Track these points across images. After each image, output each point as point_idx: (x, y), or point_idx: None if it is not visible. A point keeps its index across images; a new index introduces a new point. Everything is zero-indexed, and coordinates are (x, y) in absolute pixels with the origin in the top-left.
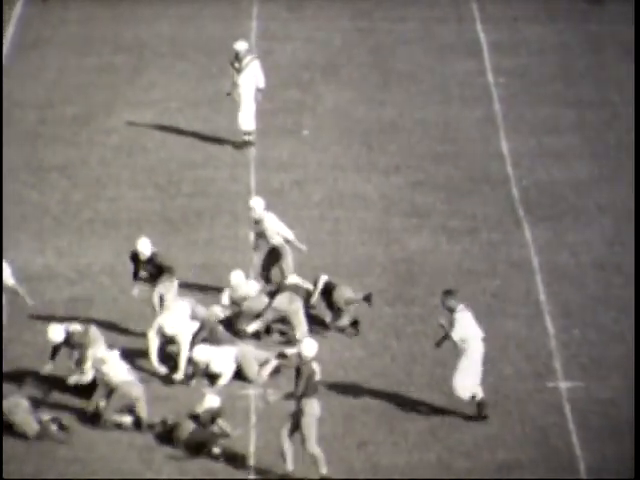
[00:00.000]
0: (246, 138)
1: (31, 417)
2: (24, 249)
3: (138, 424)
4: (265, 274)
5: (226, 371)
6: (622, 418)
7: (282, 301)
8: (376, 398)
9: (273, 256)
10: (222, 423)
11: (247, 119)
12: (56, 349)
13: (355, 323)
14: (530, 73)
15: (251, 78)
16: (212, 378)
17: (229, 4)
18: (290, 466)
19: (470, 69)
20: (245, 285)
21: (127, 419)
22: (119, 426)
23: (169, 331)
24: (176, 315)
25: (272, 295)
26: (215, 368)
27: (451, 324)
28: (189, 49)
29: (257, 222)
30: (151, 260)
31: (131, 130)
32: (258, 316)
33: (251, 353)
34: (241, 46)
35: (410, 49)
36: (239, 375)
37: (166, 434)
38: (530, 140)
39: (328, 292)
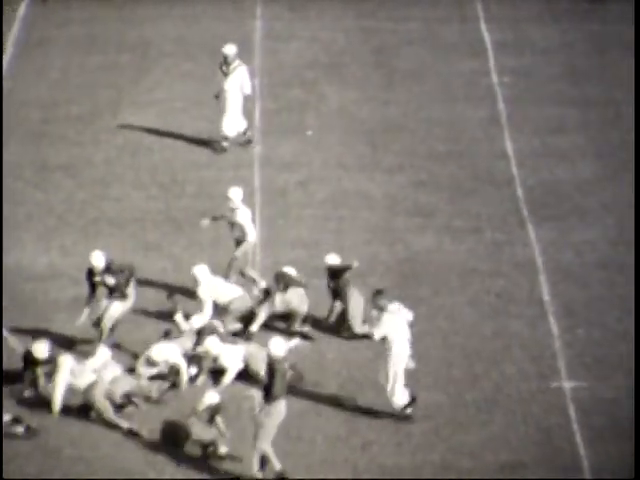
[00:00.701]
0: (224, 144)
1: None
2: (28, 248)
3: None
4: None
5: (233, 368)
6: (626, 418)
7: (293, 298)
8: (380, 398)
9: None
10: (220, 421)
11: (229, 124)
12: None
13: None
14: (534, 73)
15: (237, 83)
16: (216, 377)
17: (233, 4)
18: (278, 465)
19: (474, 69)
20: (208, 282)
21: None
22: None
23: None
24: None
25: (266, 292)
26: (224, 362)
27: (377, 321)
28: (194, 49)
29: (231, 211)
30: (108, 269)
31: (135, 130)
32: (247, 316)
33: (259, 353)
34: (230, 50)
35: (414, 49)
36: (244, 376)
37: (171, 435)
38: (534, 140)
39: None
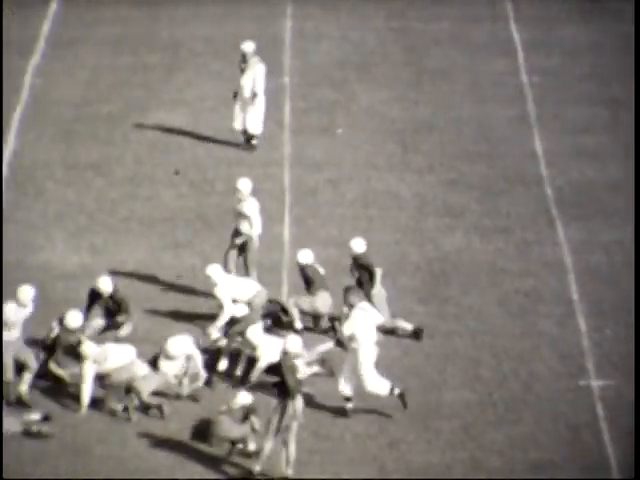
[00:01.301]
0: (254, 142)
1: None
2: (59, 247)
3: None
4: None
5: (266, 359)
6: None
7: (327, 302)
8: (409, 396)
9: (241, 248)
10: (254, 420)
11: (255, 122)
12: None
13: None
14: (564, 72)
15: (252, 80)
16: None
17: (264, 3)
18: (291, 469)
19: (504, 68)
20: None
21: (118, 406)
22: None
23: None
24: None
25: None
26: (261, 353)
27: (346, 318)
28: (224, 48)
29: (239, 202)
30: (112, 297)
31: (165, 129)
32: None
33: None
34: (248, 47)
35: (444, 48)
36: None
37: (200, 430)
38: (564, 139)
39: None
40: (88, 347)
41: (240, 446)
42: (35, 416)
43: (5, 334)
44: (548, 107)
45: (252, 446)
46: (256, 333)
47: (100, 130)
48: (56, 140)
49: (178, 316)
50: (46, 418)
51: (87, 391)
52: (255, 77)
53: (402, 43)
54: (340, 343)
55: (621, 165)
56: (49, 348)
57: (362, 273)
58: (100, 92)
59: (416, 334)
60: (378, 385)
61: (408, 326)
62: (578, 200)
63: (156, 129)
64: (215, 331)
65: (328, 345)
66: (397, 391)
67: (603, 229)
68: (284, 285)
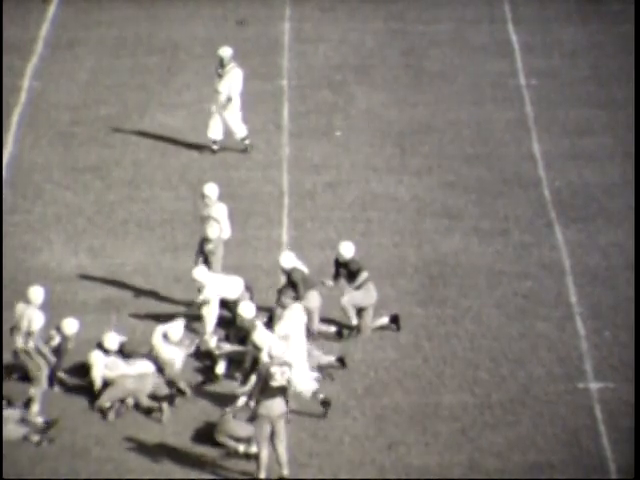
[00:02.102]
0: (247, 142)
1: (18, 428)
2: (57, 250)
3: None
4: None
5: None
6: None
7: (316, 298)
8: (408, 399)
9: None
10: None
11: (238, 126)
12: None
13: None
14: (562, 74)
15: (229, 86)
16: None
17: (262, 6)
18: (285, 470)
19: (502, 70)
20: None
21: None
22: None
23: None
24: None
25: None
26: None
27: (279, 319)
28: None
29: (207, 207)
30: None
31: (164, 131)
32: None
33: (315, 355)
34: (225, 52)
35: (442, 50)
36: None
37: (200, 434)
38: (562, 142)
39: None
40: (94, 356)
41: (241, 448)
42: (39, 419)
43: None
44: (546, 109)
45: (255, 448)
46: (261, 335)
47: (99, 132)
48: (54, 143)
49: (176, 319)
50: (48, 424)
51: (104, 395)
52: (232, 82)
53: (400, 45)
54: (342, 361)
55: (619, 167)
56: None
57: (351, 275)
58: (99, 94)
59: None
60: (307, 385)
61: (384, 320)
62: (576, 202)
63: (155, 131)
64: (210, 338)
65: (329, 358)
66: (321, 396)
67: (601, 231)
68: None
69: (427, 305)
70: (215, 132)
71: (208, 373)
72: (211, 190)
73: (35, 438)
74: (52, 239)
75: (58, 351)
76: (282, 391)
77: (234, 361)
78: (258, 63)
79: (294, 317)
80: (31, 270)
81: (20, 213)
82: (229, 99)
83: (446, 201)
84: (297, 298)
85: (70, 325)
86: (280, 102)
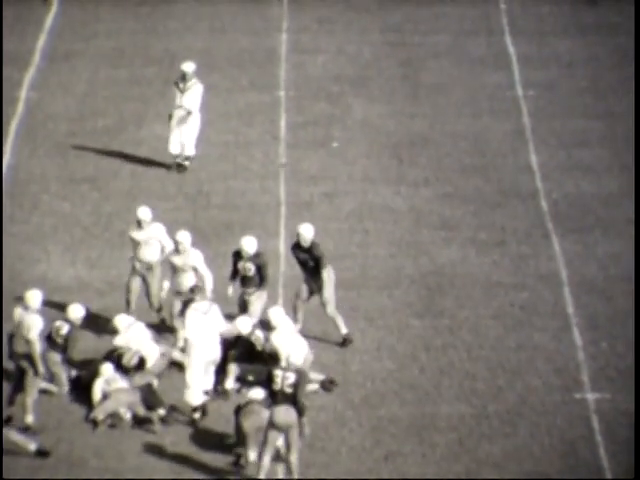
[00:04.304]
0: (186, 163)
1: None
2: (55, 260)
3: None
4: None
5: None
6: None
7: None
8: (405, 410)
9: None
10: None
11: (190, 143)
12: None
13: None
14: (559, 86)
15: (191, 101)
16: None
17: (259, 17)
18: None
19: (499, 82)
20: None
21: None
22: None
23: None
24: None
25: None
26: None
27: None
28: (219, 62)
29: (141, 229)
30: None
31: (162, 142)
32: None
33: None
34: (188, 67)
35: (440, 62)
36: None
37: (199, 443)
38: (559, 153)
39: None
40: (105, 368)
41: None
42: (31, 447)
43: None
44: (543, 120)
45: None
46: (280, 339)
47: (96, 143)
48: (52, 154)
49: (173, 330)
50: (40, 453)
51: (99, 407)
52: (194, 97)
53: (398, 57)
54: (331, 382)
55: (617, 179)
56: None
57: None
58: (96, 106)
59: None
60: (195, 396)
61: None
62: (573, 213)
63: (152, 142)
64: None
65: (318, 377)
66: (197, 416)
67: (599, 242)
68: (280, 299)
69: (424, 316)
70: (174, 147)
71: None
72: (144, 214)
73: (32, 447)
74: (49, 250)
75: (67, 340)
76: (289, 399)
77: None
78: (255, 74)
79: (195, 318)
80: (29, 281)
81: (18, 224)
82: (189, 112)
83: (443, 212)
84: (261, 283)
85: (76, 310)
86: (277, 113)
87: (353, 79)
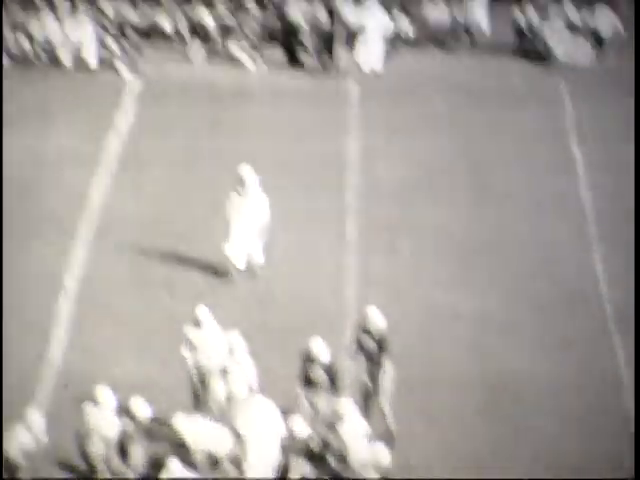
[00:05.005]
0: (257, 270)
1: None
2: (123, 359)
3: None
4: None
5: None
6: None
7: None
8: None
9: None
10: None
11: (260, 251)
12: None
13: None
14: (625, 192)
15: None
16: None
17: (328, 121)
18: None
19: (565, 187)
20: None
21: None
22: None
23: None
24: None
25: None
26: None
27: None
28: (290, 165)
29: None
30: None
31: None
32: None
33: None
34: (245, 171)
35: (506, 166)
36: None
37: None
38: (624, 259)
39: None
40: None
41: None
42: None
43: None
44: (608, 226)
45: None
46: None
47: (166, 247)
48: (122, 255)
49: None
50: None
51: None
52: (256, 204)
53: (465, 161)
54: None
55: None
56: None
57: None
58: (167, 208)
59: None
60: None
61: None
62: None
63: (220, 244)
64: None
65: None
66: None
67: None
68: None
69: (489, 421)
70: (240, 261)
71: None
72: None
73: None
74: (119, 349)
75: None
76: None
77: None
78: (323, 177)
79: None
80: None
81: (87, 329)
82: (258, 223)
83: (508, 316)
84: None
85: (141, 407)
86: (345, 217)
87: (421, 184)
